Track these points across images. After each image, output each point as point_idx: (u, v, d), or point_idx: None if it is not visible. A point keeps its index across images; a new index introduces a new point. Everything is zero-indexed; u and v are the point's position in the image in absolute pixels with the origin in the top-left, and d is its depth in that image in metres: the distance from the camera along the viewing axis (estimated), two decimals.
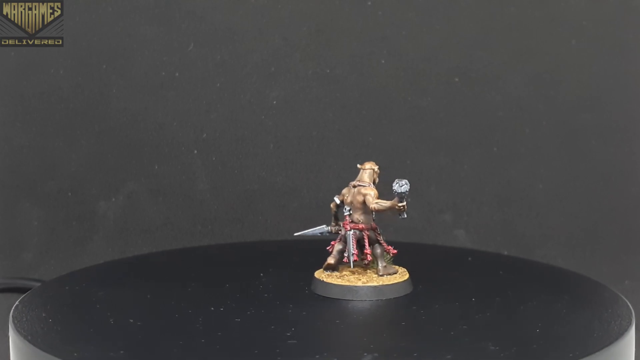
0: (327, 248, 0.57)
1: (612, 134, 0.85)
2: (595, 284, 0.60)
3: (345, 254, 0.56)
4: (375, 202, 0.55)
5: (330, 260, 0.56)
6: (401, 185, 0.53)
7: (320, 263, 0.57)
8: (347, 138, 0.84)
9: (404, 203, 0.54)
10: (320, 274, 0.57)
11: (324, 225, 0.58)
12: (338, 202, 0.57)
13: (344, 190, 0.57)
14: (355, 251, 0.55)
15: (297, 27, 0.83)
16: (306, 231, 0.58)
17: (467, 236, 0.84)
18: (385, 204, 0.55)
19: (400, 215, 0.55)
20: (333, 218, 0.58)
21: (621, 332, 0.49)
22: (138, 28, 0.82)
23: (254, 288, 0.57)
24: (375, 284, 0.55)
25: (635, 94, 0.85)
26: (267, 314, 0.52)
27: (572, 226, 0.85)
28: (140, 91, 0.83)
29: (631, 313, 0.53)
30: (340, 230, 0.57)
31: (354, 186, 0.56)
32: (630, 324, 0.51)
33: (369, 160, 0.57)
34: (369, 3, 0.83)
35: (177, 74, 0.83)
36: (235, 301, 0.55)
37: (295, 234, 0.58)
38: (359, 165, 0.57)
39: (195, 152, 0.83)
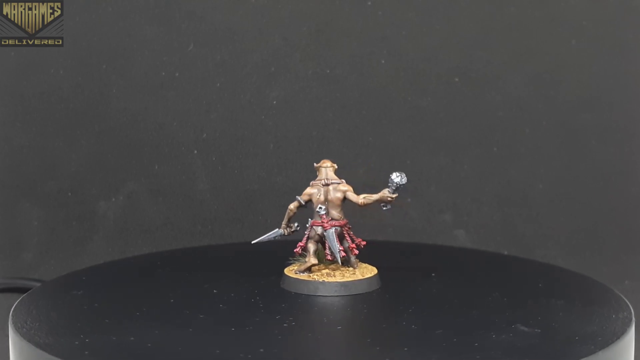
0: (295, 250, 0.57)
1: (612, 134, 0.85)
2: (595, 284, 0.60)
3: (327, 252, 0.56)
4: (362, 197, 0.56)
5: (314, 260, 0.56)
6: (402, 178, 0.54)
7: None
8: (347, 138, 0.84)
9: (397, 195, 0.55)
10: (290, 271, 0.57)
11: (277, 229, 0.58)
12: (303, 202, 0.57)
13: (311, 190, 0.56)
14: (342, 247, 0.56)
15: (297, 27, 0.83)
16: (262, 237, 0.58)
17: (467, 236, 0.84)
18: (373, 197, 0.55)
19: (385, 206, 0.55)
20: (287, 220, 0.57)
21: (621, 332, 0.49)
22: (138, 28, 0.82)
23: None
24: (352, 278, 0.56)
25: (635, 94, 0.85)
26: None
27: (572, 226, 0.85)
28: (140, 91, 0.83)
29: (631, 313, 0.53)
30: (308, 230, 0.56)
31: (325, 184, 0.56)
32: (630, 324, 0.51)
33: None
34: (369, 3, 0.83)
35: (177, 74, 0.83)
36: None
37: (253, 242, 0.58)
38: (316, 165, 0.57)
39: (195, 152, 0.83)
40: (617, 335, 0.49)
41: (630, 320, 0.51)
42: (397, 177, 0.54)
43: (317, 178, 0.57)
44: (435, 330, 0.49)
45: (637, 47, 0.85)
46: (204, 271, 0.62)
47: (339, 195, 0.56)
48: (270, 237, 0.58)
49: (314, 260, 0.56)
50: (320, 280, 0.55)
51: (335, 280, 0.55)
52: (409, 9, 0.83)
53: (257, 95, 0.83)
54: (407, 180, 0.54)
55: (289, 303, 0.54)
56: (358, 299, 0.55)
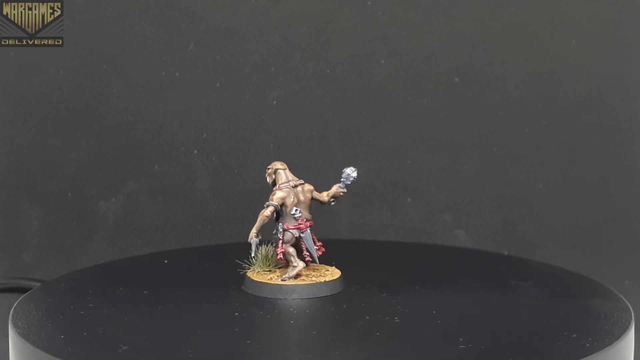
0: (278, 258, 0.56)
1: (612, 134, 0.85)
2: (595, 284, 0.60)
3: (306, 253, 0.56)
4: (326, 194, 0.57)
5: (302, 264, 0.56)
6: (356, 172, 0.57)
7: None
8: (347, 138, 0.84)
9: (346, 190, 0.58)
10: (252, 274, 0.57)
11: (255, 238, 0.57)
12: (279, 207, 0.56)
13: (283, 194, 0.56)
14: (316, 246, 0.57)
15: (297, 27, 0.83)
16: (252, 250, 0.57)
17: (467, 236, 0.84)
18: (330, 193, 0.58)
19: (333, 202, 0.58)
20: (260, 227, 0.56)
21: (621, 332, 0.49)
22: (138, 28, 0.82)
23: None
24: (317, 279, 0.56)
25: (635, 94, 0.85)
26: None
27: (572, 226, 0.85)
28: (140, 91, 0.83)
29: (631, 313, 0.53)
30: (279, 233, 0.56)
31: (294, 186, 0.57)
32: (630, 324, 0.51)
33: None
34: (369, 3, 0.83)
35: (177, 74, 0.83)
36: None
37: (252, 255, 0.58)
38: (271, 168, 0.57)
39: (195, 152, 0.83)
40: (617, 335, 0.49)
41: (630, 320, 0.51)
42: (353, 172, 0.57)
43: (281, 181, 0.57)
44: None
45: (637, 47, 0.85)
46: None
47: (309, 195, 0.57)
48: (254, 248, 0.57)
49: (302, 264, 0.56)
50: (322, 280, 0.56)
51: (333, 279, 0.56)
52: (409, 9, 0.83)
53: (257, 95, 0.83)
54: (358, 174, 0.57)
55: (300, 309, 0.54)
56: (355, 296, 0.55)
